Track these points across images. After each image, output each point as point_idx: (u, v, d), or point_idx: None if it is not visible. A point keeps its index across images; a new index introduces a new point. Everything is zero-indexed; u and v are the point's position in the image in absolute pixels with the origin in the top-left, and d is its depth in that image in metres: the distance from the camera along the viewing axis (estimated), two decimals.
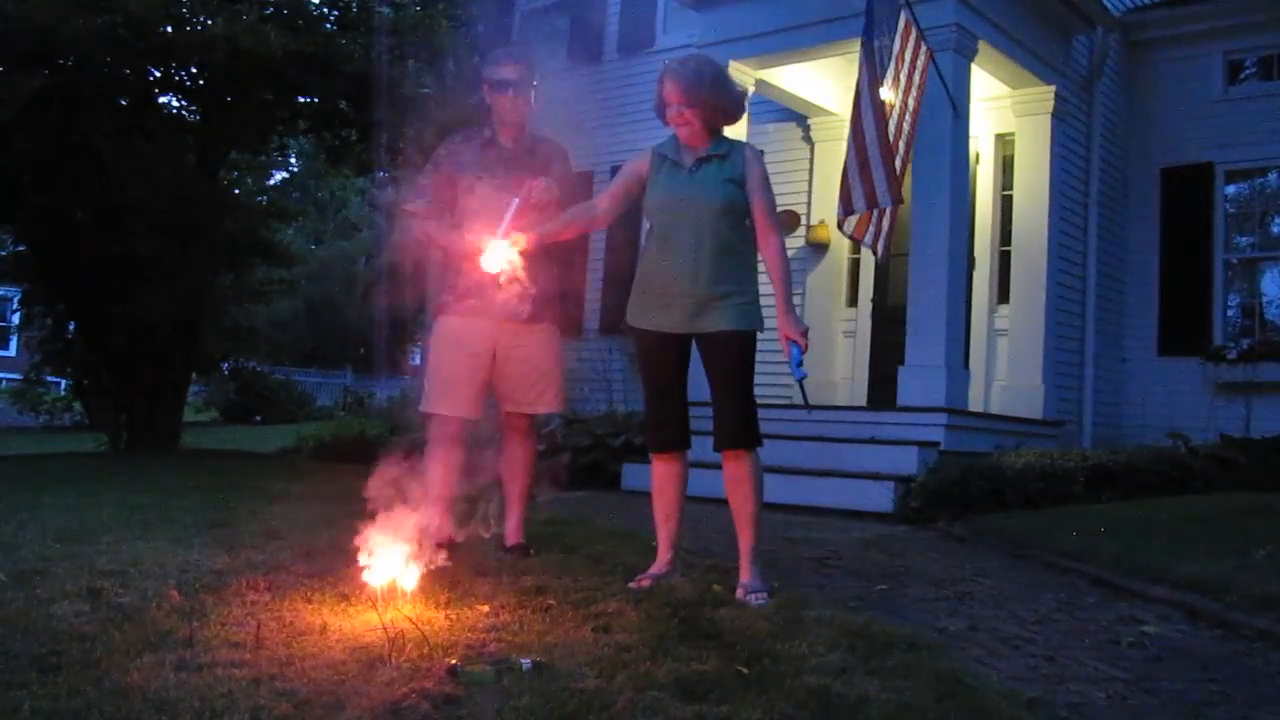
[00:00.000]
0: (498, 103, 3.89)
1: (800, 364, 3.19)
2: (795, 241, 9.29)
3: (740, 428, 3.26)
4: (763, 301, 3.40)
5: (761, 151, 3.31)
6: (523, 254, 3.53)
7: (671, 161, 3.38)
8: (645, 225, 3.51)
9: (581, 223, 3.57)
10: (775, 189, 9.78)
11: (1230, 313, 9.00)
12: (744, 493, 3.28)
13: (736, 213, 3.31)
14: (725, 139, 3.42)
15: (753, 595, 3.08)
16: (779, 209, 10.12)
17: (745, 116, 8.28)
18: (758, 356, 3.39)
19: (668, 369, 3.39)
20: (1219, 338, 8.74)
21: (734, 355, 3.27)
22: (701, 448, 3.58)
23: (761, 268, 3.39)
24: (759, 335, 3.35)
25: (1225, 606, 3.41)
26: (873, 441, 6.75)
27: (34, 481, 6.11)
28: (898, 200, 6.50)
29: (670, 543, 3.41)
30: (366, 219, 31.57)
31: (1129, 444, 7.87)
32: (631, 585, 3.17)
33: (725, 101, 3.34)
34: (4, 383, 24.67)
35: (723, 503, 3.39)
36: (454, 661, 2.24)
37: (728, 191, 3.30)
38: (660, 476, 3.42)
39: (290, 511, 4.73)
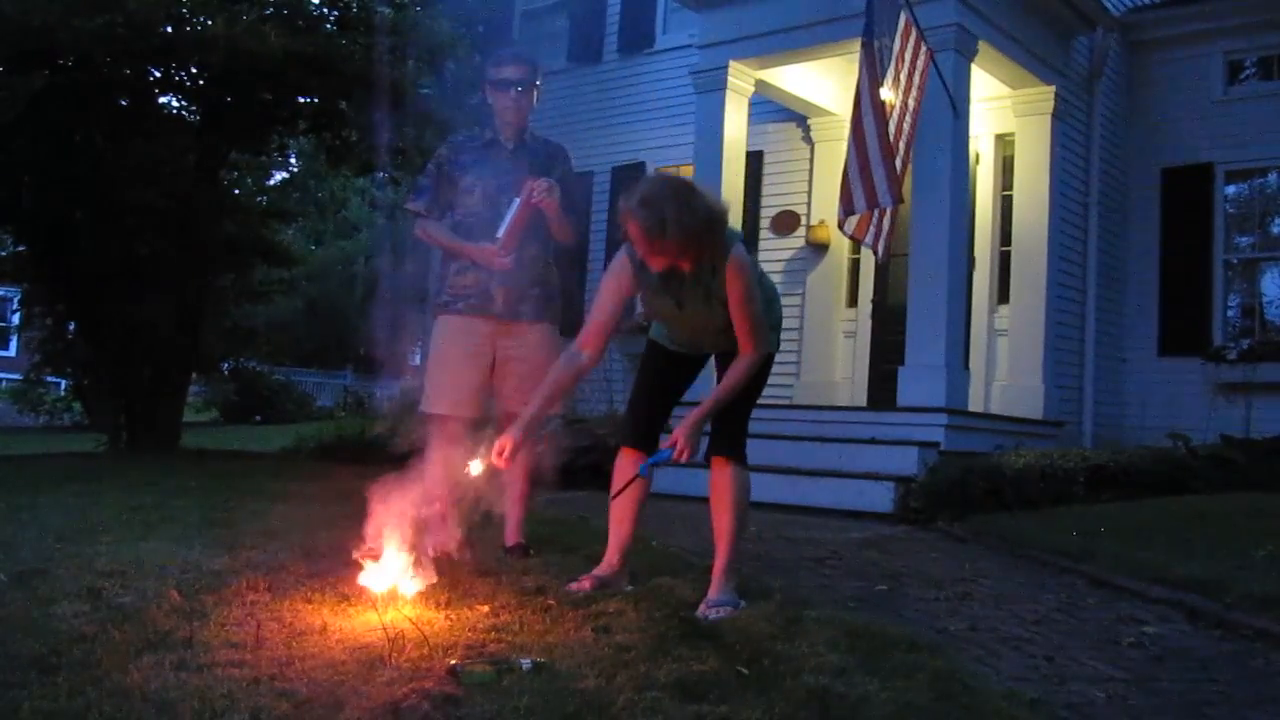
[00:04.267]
0: (499, 102, 3.89)
1: (652, 466, 3.10)
2: (795, 241, 9.29)
3: (725, 437, 3.15)
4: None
5: (750, 262, 3.01)
6: (520, 254, 3.53)
7: (656, 283, 3.03)
8: None
9: (569, 383, 3.14)
10: (775, 189, 9.71)
11: (1230, 313, 9.00)
12: (722, 508, 3.14)
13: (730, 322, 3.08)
14: (711, 258, 2.98)
15: (712, 610, 2.92)
16: (779, 210, 10.08)
17: (745, 118, 8.37)
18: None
19: (674, 380, 3.34)
20: (1219, 338, 8.74)
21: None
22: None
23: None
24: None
25: (1225, 606, 3.41)
26: (873, 442, 6.75)
27: (34, 481, 6.11)
28: (898, 200, 6.50)
29: (620, 547, 3.29)
30: (366, 219, 31.56)
31: (1129, 444, 7.87)
32: (570, 586, 3.08)
33: (697, 238, 2.84)
34: (4, 383, 24.66)
35: None
36: (454, 661, 2.24)
37: (720, 316, 3.07)
38: (619, 474, 3.27)
39: (290, 512, 4.72)
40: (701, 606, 2.95)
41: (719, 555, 3.14)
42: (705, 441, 3.23)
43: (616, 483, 3.29)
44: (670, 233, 2.78)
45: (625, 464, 3.29)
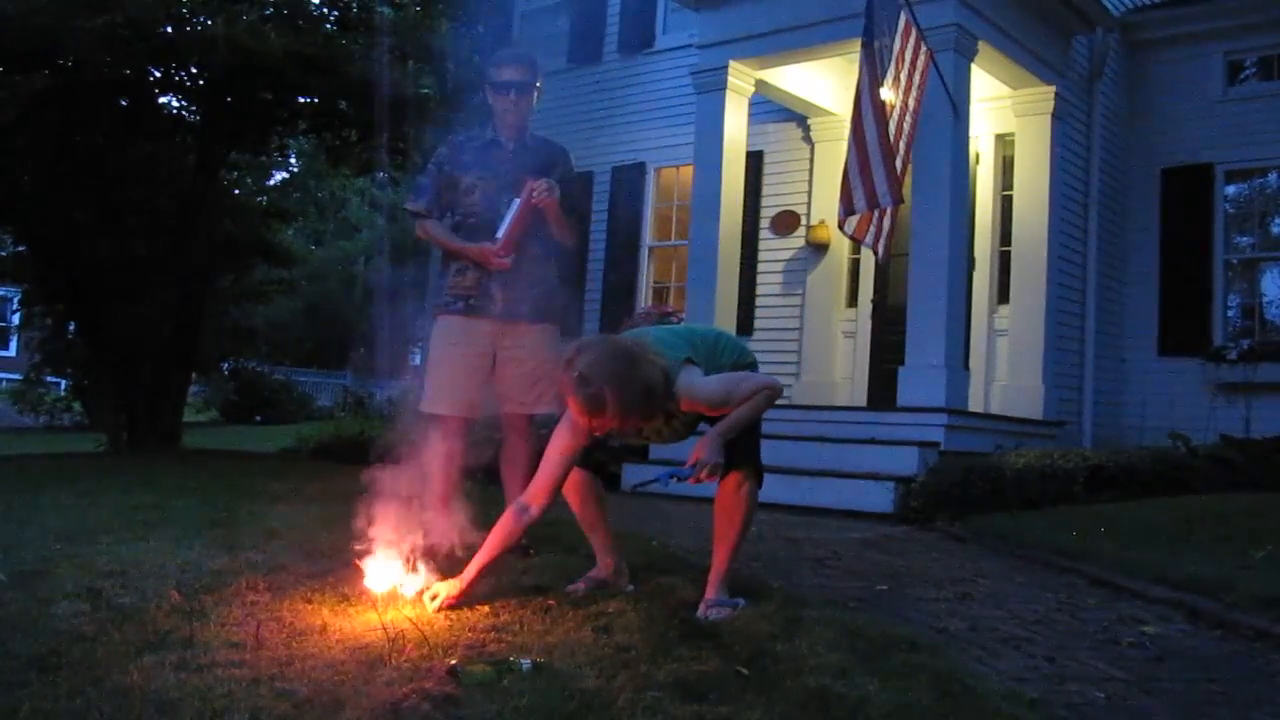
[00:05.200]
0: (500, 103, 3.89)
1: (673, 479, 2.96)
2: (795, 241, 9.30)
3: (742, 450, 3.05)
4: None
5: (695, 380, 2.89)
6: (520, 254, 3.51)
7: (615, 433, 2.91)
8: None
9: (516, 536, 3.00)
10: (775, 189, 9.71)
11: (1230, 313, 9.00)
12: (729, 515, 3.09)
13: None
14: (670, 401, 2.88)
15: (711, 610, 2.90)
16: (780, 210, 10.06)
17: (745, 118, 8.37)
18: (761, 357, 3.33)
19: None
20: (1219, 338, 8.74)
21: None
22: None
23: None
24: (771, 343, 3.27)
25: (1225, 606, 3.41)
26: (873, 442, 6.75)
27: (34, 481, 6.11)
28: (898, 200, 6.50)
29: (606, 549, 3.27)
30: (366, 219, 31.56)
31: (1129, 444, 7.88)
32: (569, 588, 3.09)
33: (636, 413, 2.74)
34: (4, 383, 24.67)
35: None
36: (454, 662, 2.24)
37: (693, 425, 3.06)
38: (568, 489, 3.18)
39: (290, 512, 4.72)
40: (701, 607, 2.95)
41: (719, 557, 3.11)
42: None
43: (569, 496, 3.20)
44: (609, 410, 2.68)
45: (571, 478, 3.15)
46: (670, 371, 2.81)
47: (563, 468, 2.97)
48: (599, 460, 3.26)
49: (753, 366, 3.17)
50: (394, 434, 3.66)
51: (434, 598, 2.79)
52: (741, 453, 3.06)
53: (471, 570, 2.86)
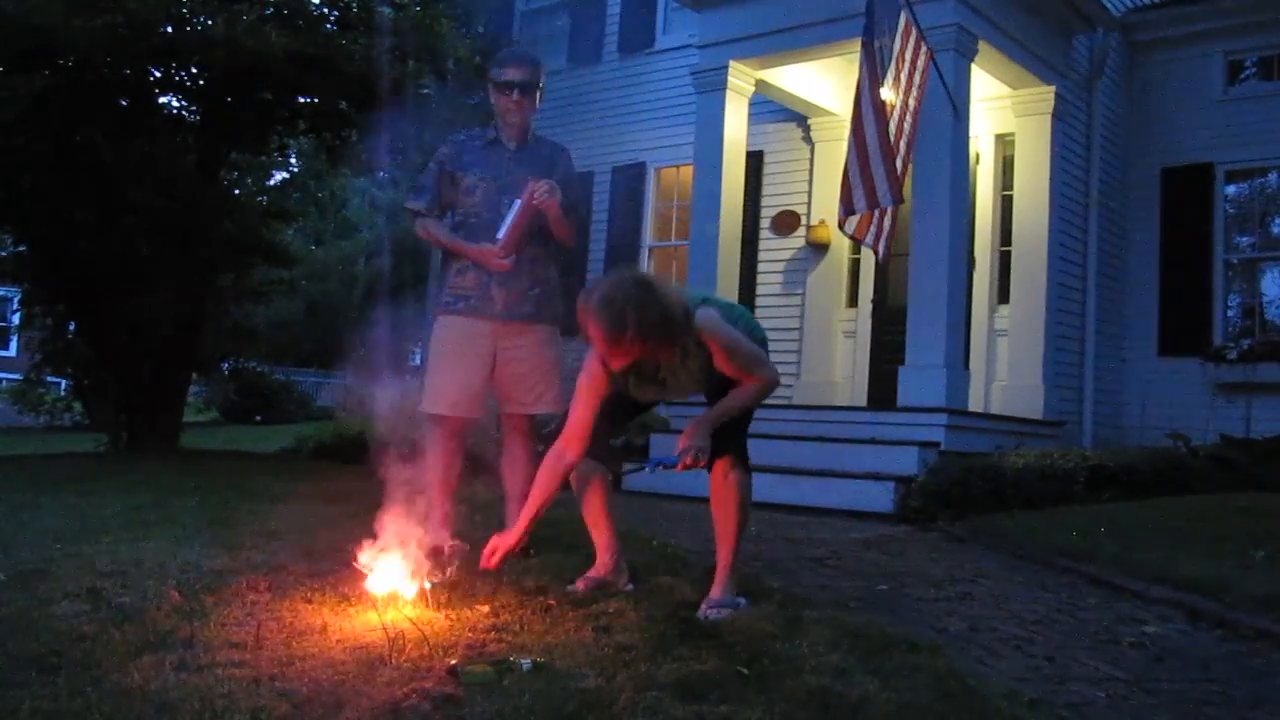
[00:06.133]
0: (502, 103, 3.89)
1: (659, 466, 3.08)
2: (795, 241, 9.30)
3: (724, 439, 3.07)
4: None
5: (716, 317, 2.96)
6: (521, 254, 3.53)
7: (631, 374, 3.03)
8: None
9: (559, 481, 3.12)
10: (775, 189, 9.71)
11: (1230, 313, 9.00)
12: (722, 510, 3.11)
13: (723, 377, 3.02)
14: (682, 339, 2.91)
15: (712, 610, 2.91)
16: (780, 210, 10.07)
17: (745, 118, 8.37)
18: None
19: (634, 399, 3.27)
20: (1219, 338, 8.74)
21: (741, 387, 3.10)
22: None
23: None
24: (771, 343, 3.28)
25: (1225, 606, 3.41)
26: (873, 441, 6.75)
27: (34, 481, 6.11)
28: (898, 200, 6.50)
29: (606, 547, 3.28)
30: (366, 219, 31.55)
31: (1129, 444, 7.88)
32: (569, 589, 3.09)
33: (656, 338, 2.79)
34: (4, 383, 24.66)
35: None
36: (454, 662, 2.24)
37: (707, 377, 3.04)
38: (575, 481, 3.24)
39: (290, 512, 4.72)
40: (702, 607, 2.95)
41: (720, 556, 3.13)
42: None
43: (575, 489, 3.25)
44: (630, 334, 2.73)
45: (577, 470, 3.21)
46: (689, 305, 2.89)
47: (591, 411, 3.05)
48: (610, 451, 3.28)
49: (763, 343, 3.20)
50: (394, 434, 3.66)
51: (493, 553, 2.99)
52: (725, 442, 3.07)
53: (522, 522, 3.05)
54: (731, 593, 3.08)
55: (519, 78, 3.87)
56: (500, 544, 3.01)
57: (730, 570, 3.11)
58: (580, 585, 3.14)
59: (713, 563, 3.17)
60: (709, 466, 3.07)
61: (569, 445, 3.08)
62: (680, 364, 3.01)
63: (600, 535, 3.30)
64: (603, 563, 3.28)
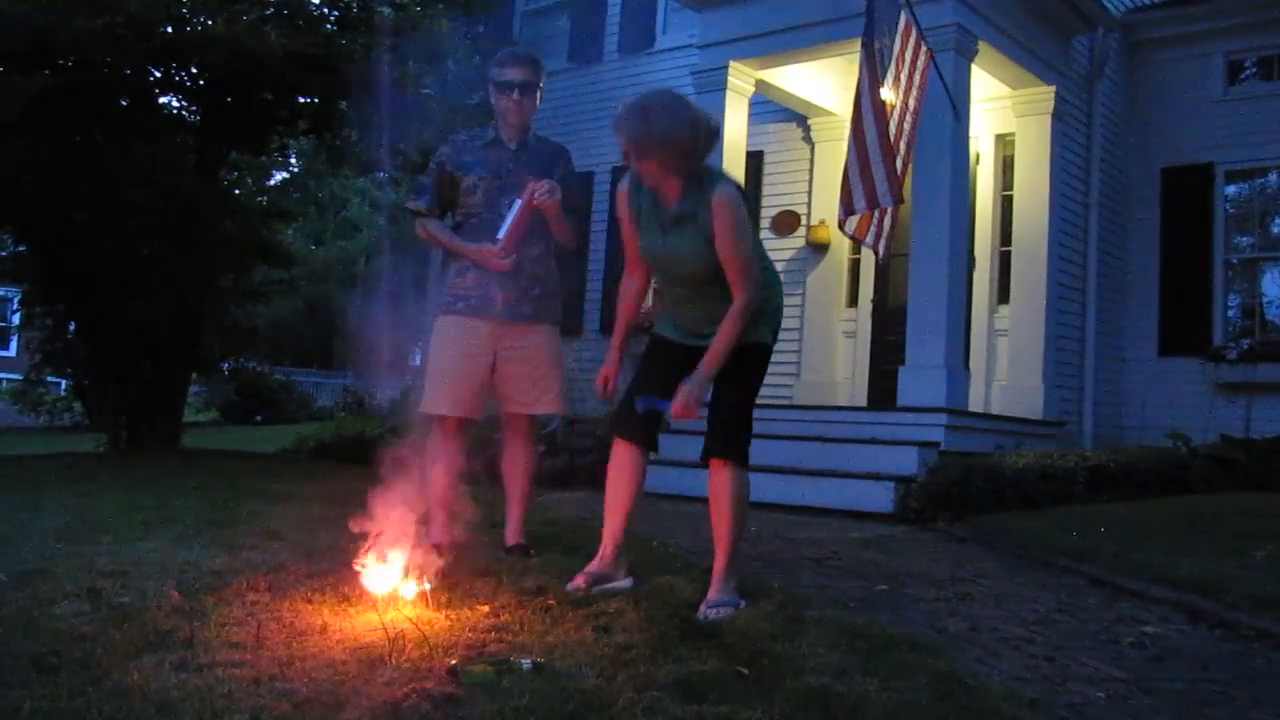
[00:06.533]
0: (502, 102, 3.89)
1: (652, 409, 3.25)
2: (795, 241, 9.30)
3: (720, 438, 3.15)
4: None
5: (737, 187, 3.15)
6: (521, 254, 3.56)
7: (647, 211, 3.21)
8: None
9: (637, 301, 3.47)
10: (775, 189, 9.70)
11: (1230, 313, 9.00)
12: (720, 509, 3.15)
13: (718, 268, 3.12)
14: (698, 187, 3.09)
15: (712, 610, 2.93)
16: (780, 210, 10.06)
17: (745, 118, 8.37)
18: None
19: (659, 364, 3.32)
20: (1219, 338, 8.74)
21: (732, 364, 3.12)
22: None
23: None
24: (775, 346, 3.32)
25: (1225, 606, 3.41)
26: (873, 441, 6.75)
27: (34, 481, 6.11)
28: (898, 200, 6.50)
29: (614, 538, 3.29)
30: (366, 219, 31.55)
31: (1129, 444, 7.88)
32: (568, 586, 3.09)
33: (684, 148, 3.01)
34: (4, 383, 24.67)
35: None
36: (454, 662, 2.24)
37: (703, 254, 3.11)
38: (612, 464, 3.33)
39: (290, 512, 4.72)
40: (701, 607, 2.95)
41: (718, 556, 3.14)
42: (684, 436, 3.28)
43: (611, 474, 3.33)
44: (655, 132, 2.96)
45: (619, 455, 3.33)
46: (718, 136, 3.14)
47: (635, 243, 3.31)
48: (650, 432, 3.36)
49: (777, 311, 3.34)
50: (394, 434, 3.67)
51: (604, 381, 3.39)
52: (722, 441, 3.14)
53: (616, 338, 3.43)
54: (731, 592, 3.08)
55: (519, 77, 3.87)
56: (608, 370, 3.42)
57: (729, 570, 3.12)
58: (580, 581, 3.14)
59: (712, 563, 3.17)
60: (705, 460, 3.14)
61: (631, 270, 3.41)
62: (687, 216, 3.11)
63: (614, 524, 3.32)
64: (604, 555, 3.29)
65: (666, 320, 3.38)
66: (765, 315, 3.22)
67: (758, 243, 3.33)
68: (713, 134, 3.08)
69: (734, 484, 3.14)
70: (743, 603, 3.02)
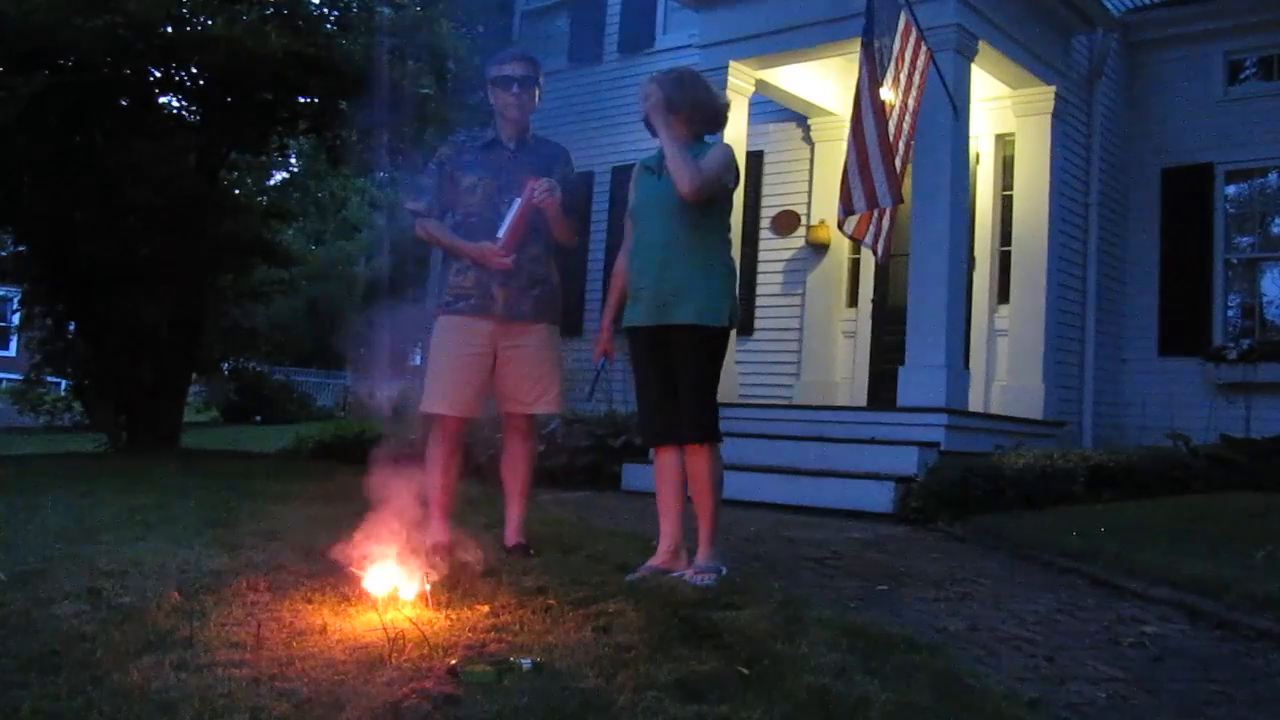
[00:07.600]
0: (501, 100, 3.90)
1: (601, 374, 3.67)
2: (795, 241, 9.29)
3: (692, 424, 3.40)
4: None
5: (729, 149, 3.67)
6: (521, 254, 3.65)
7: (650, 169, 3.60)
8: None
9: None
10: (775, 189, 9.70)
11: (1230, 313, 9.00)
12: (700, 489, 3.42)
13: (698, 209, 3.46)
14: (705, 143, 3.59)
15: (698, 575, 3.23)
16: (780, 210, 10.06)
17: (745, 117, 8.36)
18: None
19: (644, 364, 3.54)
20: (1219, 338, 8.74)
21: (691, 350, 3.41)
22: None
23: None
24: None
25: (1225, 606, 3.41)
26: (872, 442, 6.75)
27: (34, 481, 6.11)
28: (898, 200, 6.50)
29: (671, 537, 3.50)
30: (366, 219, 31.53)
31: (1129, 444, 7.87)
32: (630, 577, 3.27)
33: (710, 113, 3.61)
34: (4, 383, 24.65)
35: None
36: (454, 662, 2.24)
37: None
38: (656, 470, 3.58)
39: (290, 512, 4.72)
40: (689, 571, 3.17)
41: (703, 527, 3.39)
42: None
43: (657, 479, 3.55)
44: (686, 88, 3.46)
45: (659, 460, 3.55)
46: (727, 108, 3.70)
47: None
48: (677, 428, 3.53)
49: (736, 298, 3.65)
50: (394, 434, 3.68)
51: (603, 353, 3.71)
52: (695, 427, 3.38)
53: (608, 317, 3.70)
54: (715, 559, 3.37)
55: (518, 72, 3.88)
56: (606, 347, 3.76)
57: (712, 540, 3.40)
58: (642, 574, 3.32)
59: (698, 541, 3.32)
60: (680, 446, 3.45)
61: (629, 248, 3.69)
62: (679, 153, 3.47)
63: (666, 524, 3.52)
64: (663, 552, 3.48)
65: (630, 303, 3.57)
66: (729, 298, 3.52)
67: (728, 211, 3.74)
68: (727, 110, 3.66)
69: (711, 463, 3.41)
70: (724, 569, 3.31)
